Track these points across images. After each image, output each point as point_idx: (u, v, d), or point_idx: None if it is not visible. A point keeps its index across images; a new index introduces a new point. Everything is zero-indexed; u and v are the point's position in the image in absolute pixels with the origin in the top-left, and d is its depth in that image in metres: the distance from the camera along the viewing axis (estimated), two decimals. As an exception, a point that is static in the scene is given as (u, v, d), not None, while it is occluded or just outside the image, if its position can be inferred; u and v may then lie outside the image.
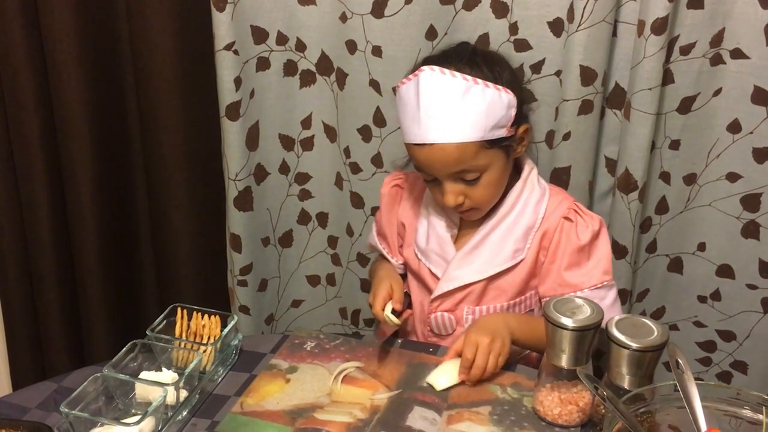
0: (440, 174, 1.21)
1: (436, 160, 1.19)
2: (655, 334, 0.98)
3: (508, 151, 1.25)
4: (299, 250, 1.72)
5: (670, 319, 1.61)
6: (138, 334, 1.14)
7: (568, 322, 1.00)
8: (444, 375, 1.12)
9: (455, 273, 1.28)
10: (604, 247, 1.26)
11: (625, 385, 0.99)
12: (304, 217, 1.69)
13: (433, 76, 1.17)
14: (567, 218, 1.26)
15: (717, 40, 1.37)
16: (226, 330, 1.13)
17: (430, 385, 1.12)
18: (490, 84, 1.18)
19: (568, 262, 1.24)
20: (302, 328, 1.24)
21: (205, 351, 1.10)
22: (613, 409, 0.91)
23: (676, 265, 1.56)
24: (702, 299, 1.56)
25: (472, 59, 1.22)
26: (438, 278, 1.30)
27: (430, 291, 1.32)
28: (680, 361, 0.95)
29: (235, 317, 1.16)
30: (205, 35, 1.46)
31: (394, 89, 1.28)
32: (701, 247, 1.53)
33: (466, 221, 1.31)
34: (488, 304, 1.29)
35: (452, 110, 1.16)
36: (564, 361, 1.02)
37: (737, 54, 1.37)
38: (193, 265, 1.67)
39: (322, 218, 1.68)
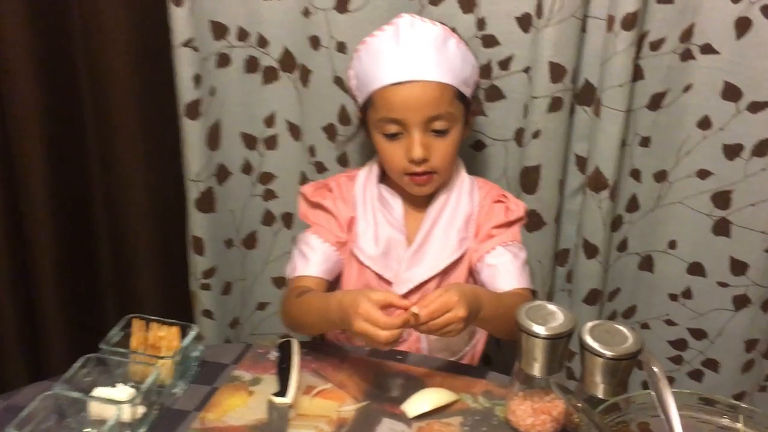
0: (414, 118, 1.17)
1: (416, 98, 1.17)
2: (630, 341, 0.95)
3: (466, 118, 1.25)
4: (264, 252, 1.67)
5: (642, 317, 1.59)
6: (97, 343, 1.09)
7: (540, 330, 0.97)
8: (420, 402, 1.05)
9: (407, 274, 1.25)
10: (519, 224, 1.29)
11: (599, 393, 0.96)
12: (268, 218, 1.64)
13: (413, 21, 1.19)
14: (498, 201, 1.28)
15: (687, 35, 1.34)
16: (185, 342, 1.08)
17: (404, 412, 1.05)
18: (462, 41, 1.21)
19: (486, 235, 1.26)
20: (266, 336, 1.19)
21: (163, 364, 1.05)
22: (588, 421, 0.88)
23: (646, 264, 1.54)
24: (673, 297, 1.55)
25: (440, 23, 1.23)
26: (389, 283, 1.26)
27: None
28: (655, 369, 0.92)
29: (196, 328, 1.11)
30: (162, 30, 1.40)
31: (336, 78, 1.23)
32: (672, 245, 1.51)
33: (411, 217, 1.27)
34: None
35: (434, 51, 1.17)
36: (537, 370, 0.99)
37: (707, 49, 1.35)
38: (154, 270, 1.62)
39: (288, 219, 1.63)
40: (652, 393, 0.90)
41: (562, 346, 0.98)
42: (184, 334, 1.11)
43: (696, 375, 1.58)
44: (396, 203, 1.29)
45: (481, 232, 1.27)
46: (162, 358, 1.06)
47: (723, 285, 1.49)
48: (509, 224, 1.27)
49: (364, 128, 1.29)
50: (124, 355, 1.07)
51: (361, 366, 1.14)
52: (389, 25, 1.20)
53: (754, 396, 1.58)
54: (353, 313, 1.00)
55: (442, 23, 1.22)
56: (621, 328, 0.98)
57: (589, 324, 0.99)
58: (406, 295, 1.24)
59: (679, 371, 1.59)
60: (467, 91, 1.22)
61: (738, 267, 1.46)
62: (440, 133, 1.20)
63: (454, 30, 1.24)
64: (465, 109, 1.24)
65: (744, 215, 1.42)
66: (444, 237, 1.26)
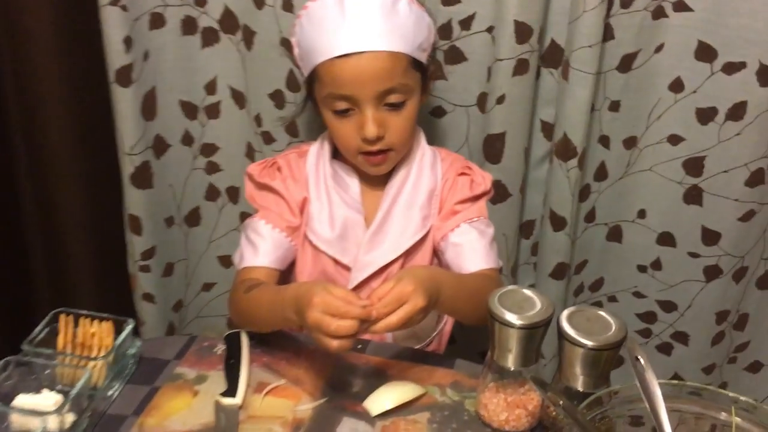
0: (366, 92, 1.06)
1: (366, 72, 1.05)
2: (613, 328, 0.87)
3: (423, 86, 1.14)
4: (208, 229, 1.56)
5: (609, 290, 1.53)
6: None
7: (514, 319, 0.88)
8: (383, 399, 0.96)
9: (367, 258, 1.15)
10: (486, 198, 1.19)
11: (579, 386, 0.88)
12: (212, 193, 1.52)
13: None
14: (463, 173, 1.18)
15: (660, -10, 1.25)
16: (120, 339, 0.97)
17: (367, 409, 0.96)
18: (414, 2, 1.09)
19: (451, 211, 1.16)
20: (212, 320, 1.08)
21: (94, 366, 0.93)
22: (570, 420, 0.80)
23: (615, 234, 1.47)
24: (642, 269, 1.48)
25: None
26: (347, 268, 1.16)
27: (338, 285, 1.16)
28: (640, 359, 0.84)
29: (131, 322, 0.99)
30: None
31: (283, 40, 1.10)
32: (641, 214, 1.44)
33: (368, 195, 1.17)
34: None
35: (383, 18, 1.05)
36: (511, 362, 0.91)
37: (680, 6, 1.26)
38: (88, 253, 1.49)
39: (233, 193, 1.52)
40: (638, 385, 0.83)
41: (539, 336, 0.89)
42: (119, 328, 0.99)
43: (665, 348, 1.53)
44: (352, 181, 1.18)
45: (444, 208, 1.17)
46: (93, 359, 0.94)
47: (694, 255, 1.42)
48: (475, 199, 1.17)
49: (312, 102, 1.16)
50: (49, 356, 0.95)
51: (318, 359, 1.04)
52: None
53: (723, 368, 1.53)
54: (308, 302, 0.88)
55: None
56: (603, 314, 0.90)
57: (568, 310, 0.90)
58: (367, 280, 1.15)
59: (648, 344, 1.53)
60: (423, 57, 1.11)
61: (710, 236, 1.39)
62: (395, 106, 1.08)
63: None
64: (422, 77, 1.12)
65: (717, 182, 1.35)
66: (406, 215, 1.15)
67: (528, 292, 0.92)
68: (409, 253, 1.16)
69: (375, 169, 1.15)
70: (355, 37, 1.04)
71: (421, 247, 1.17)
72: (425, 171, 1.17)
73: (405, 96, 1.09)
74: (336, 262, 1.16)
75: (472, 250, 1.13)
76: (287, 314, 0.94)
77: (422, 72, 1.12)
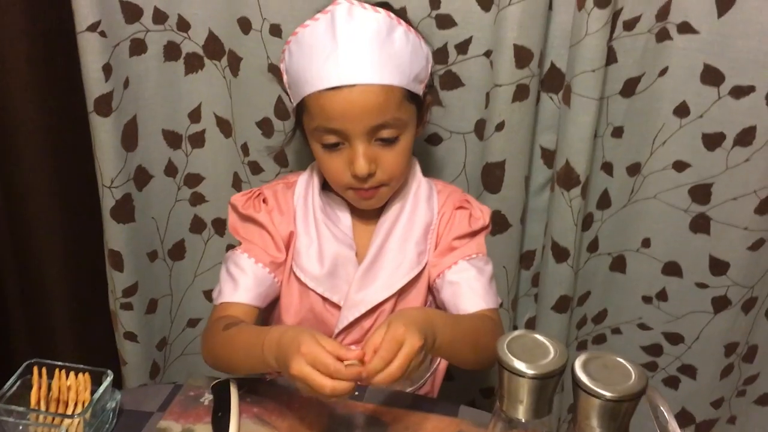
0: (356, 127, 0.99)
1: (357, 106, 0.98)
2: (633, 377, 0.81)
3: (419, 119, 1.08)
4: (193, 263, 1.49)
5: (613, 322, 1.47)
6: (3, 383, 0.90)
7: (525, 368, 0.81)
8: None
9: (358, 296, 1.07)
10: (485, 233, 1.12)
11: (597, 439, 0.82)
12: (197, 225, 1.46)
13: (353, 9, 0.99)
14: (461, 207, 1.12)
15: (663, 12, 1.20)
16: (97, 393, 0.89)
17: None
18: (411, 29, 1.02)
19: (448, 247, 1.10)
20: (198, 376, 1.01)
21: (70, 424, 0.86)
22: (591, 480, 0.73)
23: (618, 264, 1.41)
24: (647, 300, 1.42)
25: (387, 5, 1.04)
26: (337, 307, 1.08)
27: (327, 325, 1.09)
28: (663, 409, 0.78)
29: (110, 374, 0.92)
30: (64, 13, 1.19)
31: (271, 66, 1.05)
32: (646, 243, 1.38)
33: (361, 230, 1.11)
34: None
35: (377, 48, 0.98)
36: (521, 413, 0.84)
37: (685, 28, 1.21)
38: (67, 290, 1.43)
39: (219, 225, 1.45)
40: (660, 438, 0.77)
41: (552, 385, 0.83)
42: (96, 381, 0.92)
43: (672, 382, 1.47)
44: (344, 215, 1.11)
45: (441, 244, 1.10)
46: (69, 416, 0.87)
47: (701, 286, 1.37)
48: (473, 234, 1.11)
49: (301, 131, 1.10)
50: (21, 414, 0.88)
51: (312, 408, 0.97)
52: (323, 14, 1.00)
53: (732, 401, 1.48)
54: (294, 351, 0.81)
55: (387, 6, 1.03)
56: (621, 361, 0.83)
57: (583, 356, 0.84)
58: (357, 322, 1.08)
59: (654, 378, 1.47)
60: (419, 89, 1.04)
61: (718, 266, 1.34)
62: (387, 141, 1.02)
63: (401, 14, 1.05)
64: (418, 108, 1.06)
65: (725, 210, 1.30)
66: (400, 251, 1.08)
67: (540, 337, 0.85)
68: (403, 291, 1.09)
69: (366, 203, 1.08)
70: (346, 69, 0.97)
71: (416, 285, 1.10)
72: (421, 204, 1.11)
73: (398, 131, 1.02)
74: (325, 300, 1.08)
75: (470, 289, 1.06)
76: (267, 359, 0.87)
77: (418, 104, 1.05)
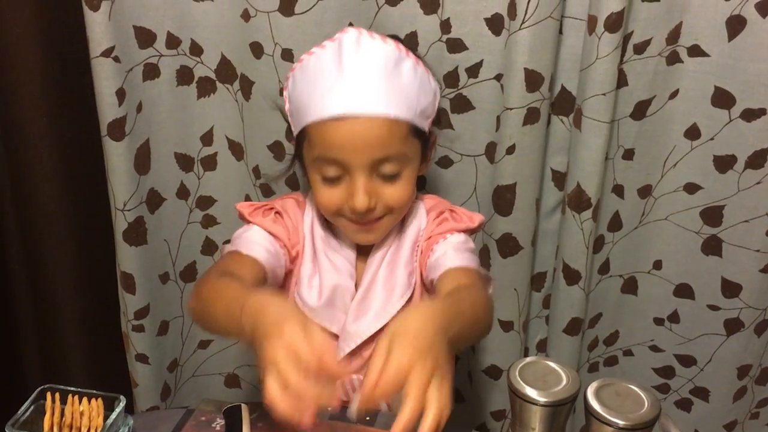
0: (358, 161, 0.96)
1: (360, 138, 0.94)
2: (646, 405, 0.81)
3: (423, 155, 1.05)
4: (205, 285, 1.49)
5: (625, 344, 1.46)
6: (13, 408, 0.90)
7: (538, 395, 0.81)
8: None
9: (353, 328, 1.05)
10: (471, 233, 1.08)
11: (610, 467, 0.82)
12: (209, 247, 1.46)
13: (361, 38, 0.95)
14: (441, 213, 1.07)
15: (674, 36, 1.21)
16: (110, 419, 0.90)
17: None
18: (420, 62, 0.99)
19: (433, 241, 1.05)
20: (209, 399, 1.01)
21: (83, 450, 0.86)
22: None
23: (630, 286, 1.41)
24: (659, 322, 1.42)
25: (396, 37, 1.01)
26: (335, 336, 1.06)
27: None
28: (676, 438, 0.78)
29: (123, 399, 0.92)
30: (78, 39, 1.20)
31: (282, 90, 1.04)
32: (657, 265, 1.38)
33: (361, 260, 1.08)
34: None
35: (384, 79, 0.95)
36: (534, 440, 0.84)
37: (696, 51, 1.21)
38: (79, 313, 1.42)
39: (231, 247, 1.45)
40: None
41: (564, 413, 0.83)
42: (108, 406, 0.92)
43: (684, 404, 1.46)
44: (347, 243, 1.09)
45: (428, 244, 1.06)
46: (82, 442, 0.87)
47: (713, 308, 1.36)
48: (455, 230, 1.06)
49: (299, 161, 1.07)
50: (34, 440, 0.88)
51: (324, 433, 0.97)
52: (331, 41, 0.97)
53: (746, 424, 1.46)
54: (275, 332, 0.70)
55: (396, 38, 1.01)
56: (633, 388, 0.83)
57: (595, 384, 0.84)
58: (356, 352, 1.05)
59: (666, 401, 1.46)
60: (425, 124, 1.01)
61: (730, 289, 1.33)
62: (390, 177, 0.99)
63: (411, 47, 1.04)
64: (423, 144, 1.03)
65: (737, 232, 1.29)
66: (390, 277, 1.05)
67: (552, 364, 0.86)
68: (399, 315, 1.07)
69: (363, 237, 1.05)
70: (351, 98, 0.94)
71: (409, 306, 1.06)
72: (408, 225, 1.08)
73: (401, 166, 0.99)
74: (324, 329, 1.05)
75: (449, 256, 1.01)
76: (243, 325, 0.77)
77: (423, 140, 1.02)
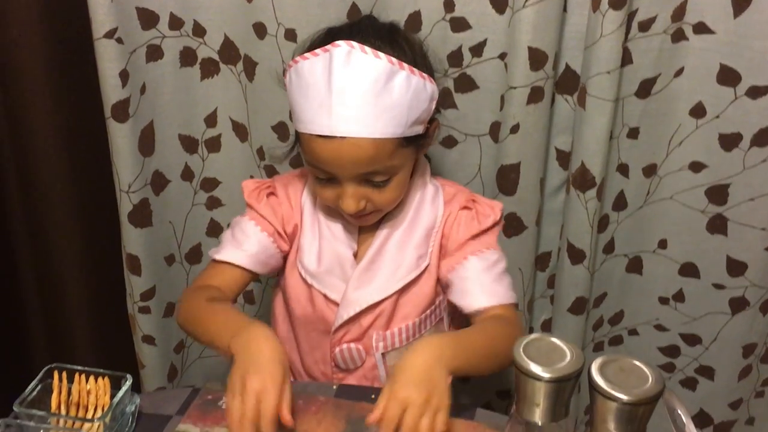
0: (345, 174, 0.99)
1: (345, 157, 0.97)
2: (650, 381, 0.80)
3: (419, 150, 1.07)
4: (210, 267, 1.49)
5: (630, 323, 1.46)
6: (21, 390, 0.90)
7: (542, 371, 0.81)
8: None
9: (354, 295, 1.08)
10: (497, 228, 1.11)
11: (614, 443, 0.82)
12: (214, 229, 1.47)
13: (352, 54, 0.94)
14: (466, 207, 1.10)
15: (679, 13, 1.20)
16: (117, 397, 0.90)
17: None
18: (415, 71, 0.97)
19: (462, 248, 1.08)
20: (216, 380, 1.02)
21: (91, 427, 0.87)
22: (609, 484, 0.73)
23: (635, 266, 1.41)
24: (664, 301, 1.42)
25: (393, 38, 1.01)
26: (335, 303, 1.09)
27: (327, 321, 1.10)
28: (680, 413, 0.78)
29: (129, 378, 0.92)
30: (81, 21, 1.20)
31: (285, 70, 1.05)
32: (662, 244, 1.38)
33: (362, 230, 1.11)
34: (399, 324, 1.10)
35: (373, 99, 0.94)
36: (538, 417, 0.84)
37: (701, 29, 1.20)
38: (85, 294, 1.44)
39: (235, 229, 1.46)
40: (678, 442, 0.77)
41: (568, 389, 0.83)
42: (115, 385, 0.92)
43: (690, 383, 1.46)
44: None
45: (450, 245, 1.09)
46: (89, 420, 0.88)
47: (719, 287, 1.36)
48: (485, 231, 1.09)
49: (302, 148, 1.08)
50: (42, 418, 0.88)
51: (329, 410, 0.98)
52: (323, 52, 0.96)
53: (751, 402, 1.47)
54: (256, 371, 0.86)
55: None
56: (638, 364, 0.83)
57: (599, 360, 0.83)
58: (355, 320, 1.09)
59: (671, 380, 1.47)
60: (418, 129, 1.01)
61: (735, 267, 1.33)
62: (379, 184, 1.01)
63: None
64: (419, 140, 1.03)
65: (742, 211, 1.29)
66: (398, 254, 1.08)
67: (556, 340, 0.85)
68: (402, 292, 1.09)
69: (358, 222, 1.09)
70: (337, 121, 0.95)
71: (416, 286, 1.10)
72: (425, 207, 1.10)
73: (390, 175, 1.01)
74: (325, 296, 1.10)
75: (479, 284, 1.05)
76: (228, 351, 0.91)
77: (418, 139, 1.03)
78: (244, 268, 1.09)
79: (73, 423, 0.89)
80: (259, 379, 0.85)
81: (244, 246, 1.09)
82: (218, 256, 1.10)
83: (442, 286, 1.12)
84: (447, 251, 1.10)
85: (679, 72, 1.24)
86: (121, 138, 1.26)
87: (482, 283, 1.06)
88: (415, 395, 0.85)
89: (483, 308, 1.05)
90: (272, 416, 0.84)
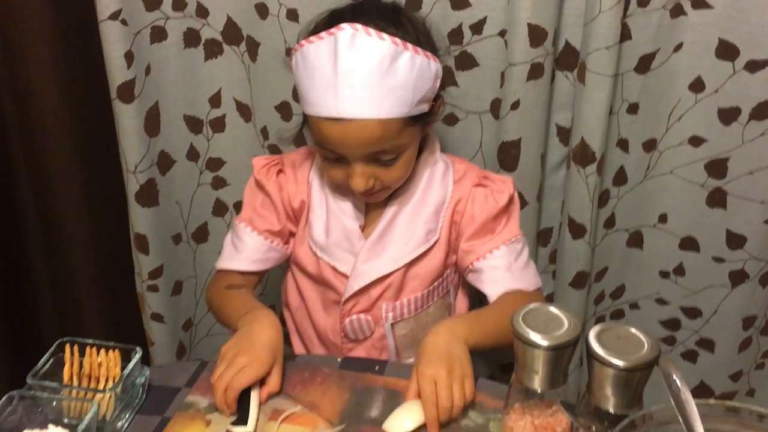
0: (353, 154, 1.02)
1: (353, 138, 0.99)
2: (645, 347, 0.83)
3: (424, 128, 1.09)
4: (217, 245, 1.51)
5: (631, 297, 1.48)
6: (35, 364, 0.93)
7: (540, 339, 0.83)
8: (402, 420, 0.93)
9: (364, 267, 1.11)
10: (517, 208, 1.15)
11: (611, 408, 0.83)
12: (220, 208, 1.49)
13: (357, 37, 0.96)
14: (479, 185, 1.13)
15: (678, -12, 1.21)
16: (127, 369, 0.93)
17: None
18: (419, 50, 0.99)
19: (485, 229, 1.12)
20: (224, 337, 1.05)
21: (102, 398, 0.89)
22: (605, 447, 0.75)
23: (635, 240, 1.43)
24: (664, 275, 1.43)
25: (396, 18, 1.02)
26: (346, 276, 1.13)
27: (337, 293, 1.14)
28: (675, 378, 0.80)
29: (139, 350, 0.95)
30: (86, 2, 1.22)
31: (288, 50, 1.06)
32: (663, 218, 1.39)
33: (371, 205, 1.14)
34: (407, 296, 1.14)
35: (378, 80, 0.97)
36: (537, 384, 0.86)
37: (699, 3, 1.21)
38: (94, 274, 1.47)
39: (241, 208, 1.47)
40: (673, 406, 0.78)
41: (566, 356, 0.85)
42: (126, 356, 0.95)
43: (690, 356, 1.48)
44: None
45: (474, 225, 1.12)
46: (100, 390, 0.91)
47: (718, 260, 1.37)
48: (505, 211, 1.13)
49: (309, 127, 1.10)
50: (55, 389, 0.91)
51: (334, 381, 1.00)
52: (328, 35, 0.98)
53: (751, 374, 1.49)
54: (248, 351, 0.95)
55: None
56: (634, 331, 0.85)
57: (597, 327, 0.85)
58: (364, 291, 1.12)
59: (672, 352, 1.49)
60: (424, 108, 1.03)
61: (735, 240, 1.34)
62: (386, 162, 1.04)
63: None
64: (425, 117, 1.06)
65: (741, 184, 1.30)
66: (408, 228, 1.12)
67: (554, 309, 0.88)
68: (411, 265, 1.13)
69: (368, 199, 1.12)
70: (343, 103, 0.97)
71: (425, 259, 1.13)
72: (435, 183, 1.13)
73: (397, 153, 1.04)
74: (334, 269, 1.13)
75: (510, 274, 1.11)
76: (241, 318, 1.02)
77: (424, 116, 1.05)
78: (247, 272, 1.17)
79: (85, 394, 0.91)
80: (247, 358, 0.94)
81: (241, 252, 1.17)
82: (219, 265, 1.19)
83: (461, 269, 1.16)
84: (462, 228, 1.13)
85: (678, 47, 1.25)
86: (127, 119, 1.28)
87: (513, 273, 1.11)
88: (440, 369, 0.93)
89: (506, 293, 1.10)
90: (241, 386, 0.93)
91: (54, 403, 0.91)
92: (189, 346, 1.56)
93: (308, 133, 1.07)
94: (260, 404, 0.95)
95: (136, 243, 1.38)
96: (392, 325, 1.15)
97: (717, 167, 1.31)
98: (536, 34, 1.18)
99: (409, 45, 0.98)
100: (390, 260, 1.11)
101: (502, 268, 1.11)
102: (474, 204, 1.12)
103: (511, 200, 1.13)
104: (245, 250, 1.16)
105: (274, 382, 0.96)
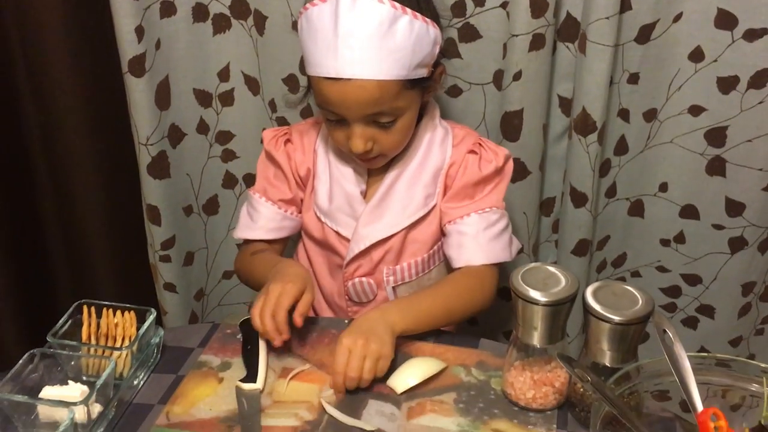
0: (352, 115, 1.05)
1: (351, 98, 1.03)
2: (640, 303, 0.86)
3: (424, 93, 1.12)
4: (227, 217, 1.56)
5: (632, 265, 1.51)
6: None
7: (539, 296, 0.87)
8: (406, 376, 0.96)
9: (365, 231, 1.16)
10: (504, 180, 1.17)
11: (607, 362, 0.87)
12: (229, 181, 1.52)
13: (357, 0, 1.00)
14: (472, 152, 1.15)
15: (677, -42, 1.23)
16: (143, 329, 0.97)
17: (392, 388, 0.96)
18: (418, 15, 1.02)
19: (463, 193, 1.15)
20: (234, 308, 1.09)
21: (119, 356, 0.93)
22: (600, 396, 0.79)
23: (636, 209, 1.45)
24: (665, 243, 1.46)
25: None
26: (348, 240, 1.17)
27: (341, 257, 1.19)
28: (668, 332, 0.83)
29: (153, 312, 0.99)
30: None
31: (295, 24, 1.08)
32: (663, 187, 1.41)
33: (373, 171, 1.17)
34: (408, 260, 1.18)
35: (377, 42, 1.00)
36: (536, 339, 0.90)
37: (698, -27, 1.23)
38: (108, 244, 1.51)
39: (250, 180, 1.50)
40: (666, 358, 0.82)
41: (564, 312, 0.88)
42: (141, 319, 0.99)
43: (690, 322, 1.51)
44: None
45: (454, 187, 1.15)
46: (117, 348, 0.94)
47: (718, 227, 1.40)
48: (487, 180, 1.15)
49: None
50: (74, 347, 0.95)
51: (341, 342, 1.04)
52: None
53: (750, 340, 1.52)
54: (280, 280, 1.00)
55: None
56: (629, 288, 0.88)
57: (593, 285, 0.89)
58: (366, 254, 1.17)
59: (673, 319, 1.52)
60: (422, 73, 1.06)
61: (734, 208, 1.37)
62: (385, 125, 1.07)
63: None
64: (425, 83, 1.09)
65: (740, 152, 1.33)
66: (407, 193, 1.15)
67: (552, 268, 0.91)
68: (411, 228, 1.16)
69: (366, 164, 1.15)
70: (343, 63, 1.00)
71: (423, 223, 1.17)
72: (434, 149, 1.16)
73: (395, 116, 1.07)
74: (337, 233, 1.17)
75: (474, 242, 1.13)
76: (269, 278, 1.03)
77: (423, 82, 1.09)
78: (263, 240, 1.21)
79: (103, 352, 0.95)
80: (280, 285, 0.99)
81: (257, 222, 1.22)
82: (236, 234, 1.25)
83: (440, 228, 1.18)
84: (449, 193, 1.16)
85: (678, 17, 1.27)
86: (138, 92, 1.31)
87: (478, 242, 1.13)
88: (358, 341, 0.95)
89: (463, 267, 1.13)
90: (286, 307, 0.97)
91: (73, 362, 0.95)
92: (201, 315, 1.60)
93: (313, 90, 1.10)
94: (267, 360, 0.99)
95: (149, 214, 1.42)
96: (394, 288, 1.19)
97: (716, 136, 1.33)
98: (537, 5, 1.21)
99: (408, 10, 1.02)
100: (389, 224, 1.15)
101: (469, 235, 1.13)
102: (463, 169, 1.15)
103: (497, 171, 1.15)
104: (260, 219, 1.21)
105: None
